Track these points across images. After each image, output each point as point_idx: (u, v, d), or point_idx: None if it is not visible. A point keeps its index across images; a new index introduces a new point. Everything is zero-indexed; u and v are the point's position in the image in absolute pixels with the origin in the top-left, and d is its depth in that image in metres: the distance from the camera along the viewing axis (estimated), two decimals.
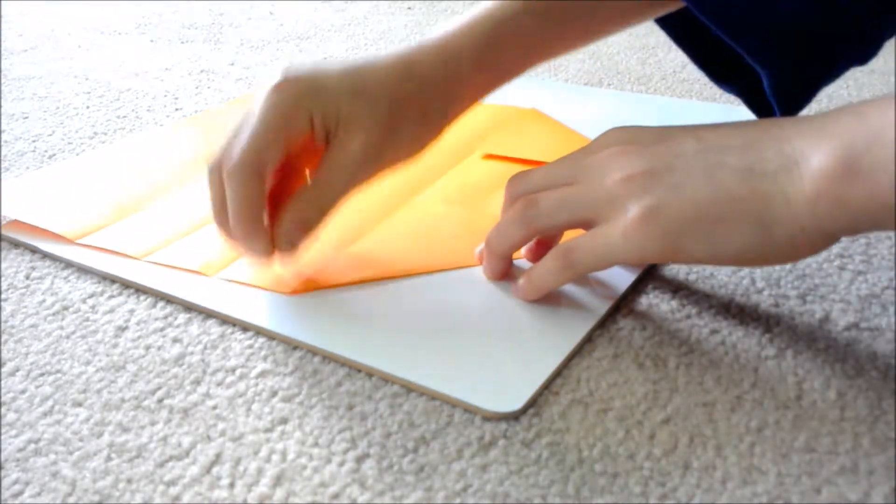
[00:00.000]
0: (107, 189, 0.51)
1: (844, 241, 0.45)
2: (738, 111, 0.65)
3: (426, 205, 0.49)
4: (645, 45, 0.90)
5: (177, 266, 0.42)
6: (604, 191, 0.34)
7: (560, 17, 0.47)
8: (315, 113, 0.38)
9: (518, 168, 0.45)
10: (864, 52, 0.50)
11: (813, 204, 0.30)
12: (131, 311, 0.39)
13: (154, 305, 0.40)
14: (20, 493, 0.29)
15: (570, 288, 0.39)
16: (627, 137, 0.36)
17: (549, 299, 0.38)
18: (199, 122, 0.65)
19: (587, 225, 0.35)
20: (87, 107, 0.70)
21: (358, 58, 0.41)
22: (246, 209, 0.37)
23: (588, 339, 0.36)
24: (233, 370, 0.35)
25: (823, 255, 0.43)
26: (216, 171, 0.38)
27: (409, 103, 0.41)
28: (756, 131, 0.33)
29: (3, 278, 0.43)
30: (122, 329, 0.38)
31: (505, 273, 0.40)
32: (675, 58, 0.84)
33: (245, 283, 0.41)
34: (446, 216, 0.48)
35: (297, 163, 0.40)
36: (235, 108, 0.67)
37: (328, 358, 0.35)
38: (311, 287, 0.40)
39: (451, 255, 0.43)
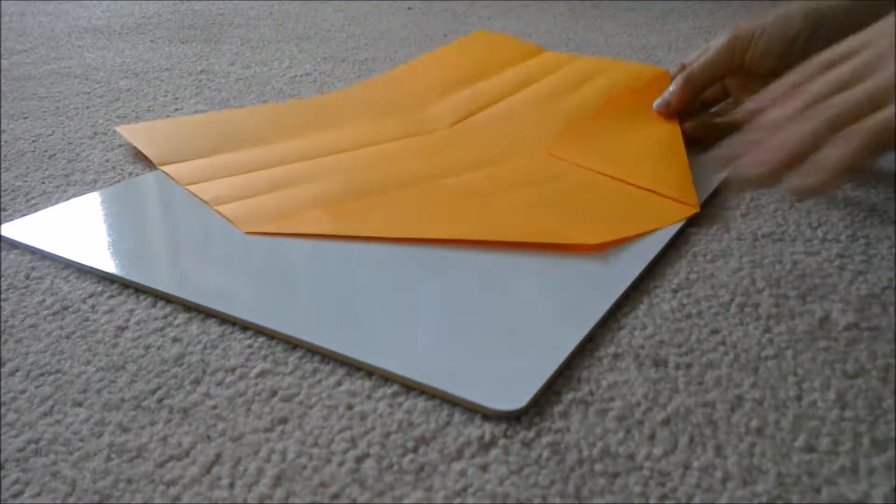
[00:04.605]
0: (205, 135, 0.60)
1: (844, 241, 0.45)
2: None
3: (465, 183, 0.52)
4: (645, 46, 0.90)
5: (195, 193, 0.50)
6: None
7: None
8: None
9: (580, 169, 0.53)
10: None
11: None
12: (131, 311, 0.39)
13: (154, 305, 0.40)
14: (20, 493, 0.29)
15: (571, 286, 0.39)
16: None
17: (549, 296, 0.38)
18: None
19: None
20: (87, 107, 0.70)
21: None
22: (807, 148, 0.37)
23: (589, 338, 0.36)
24: (232, 370, 0.35)
25: (823, 254, 0.43)
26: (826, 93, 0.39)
27: None
28: None
29: (3, 278, 0.43)
30: (122, 329, 0.38)
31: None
32: (676, 58, 0.84)
33: (218, 211, 0.48)
34: (457, 191, 0.50)
35: None
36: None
37: (328, 357, 0.36)
38: (269, 230, 0.45)
39: (438, 227, 0.45)
